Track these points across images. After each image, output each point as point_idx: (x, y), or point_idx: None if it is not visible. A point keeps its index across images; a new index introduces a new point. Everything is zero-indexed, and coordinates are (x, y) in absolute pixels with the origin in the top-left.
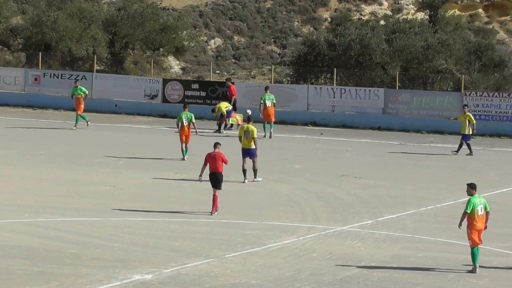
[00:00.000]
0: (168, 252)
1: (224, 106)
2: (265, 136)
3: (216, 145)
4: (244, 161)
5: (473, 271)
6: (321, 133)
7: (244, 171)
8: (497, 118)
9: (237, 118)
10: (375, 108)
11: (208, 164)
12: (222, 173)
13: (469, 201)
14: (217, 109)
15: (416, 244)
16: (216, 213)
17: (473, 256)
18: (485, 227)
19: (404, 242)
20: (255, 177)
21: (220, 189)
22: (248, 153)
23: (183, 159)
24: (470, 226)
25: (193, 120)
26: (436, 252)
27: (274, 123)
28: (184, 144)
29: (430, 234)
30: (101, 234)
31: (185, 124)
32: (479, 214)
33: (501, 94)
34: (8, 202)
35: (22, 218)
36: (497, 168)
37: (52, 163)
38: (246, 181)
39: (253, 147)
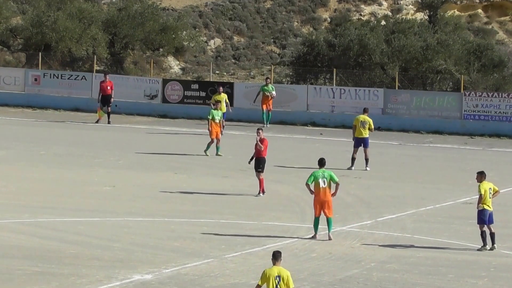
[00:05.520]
0: (168, 252)
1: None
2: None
3: (258, 131)
4: (355, 150)
5: (314, 237)
6: (321, 133)
7: (353, 159)
8: (496, 119)
9: (99, 114)
10: (375, 108)
11: (255, 149)
12: (265, 158)
13: (311, 174)
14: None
15: (415, 244)
16: (263, 194)
17: (314, 224)
18: (334, 194)
19: (403, 242)
20: (366, 166)
21: (263, 172)
22: (361, 142)
23: (217, 154)
24: (315, 198)
25: (222, 117)
26: (436, 252)
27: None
28: (216, 140)
29: (430, 234)
30: (101, 234)
31: (217, 121)
32: (321, 186)
33: (500, 94)
34: (8, 202)
35: (22, 218)
36: (497, 168)
37: (52, 163)
38: (353, 168)
39: (367, 136)
